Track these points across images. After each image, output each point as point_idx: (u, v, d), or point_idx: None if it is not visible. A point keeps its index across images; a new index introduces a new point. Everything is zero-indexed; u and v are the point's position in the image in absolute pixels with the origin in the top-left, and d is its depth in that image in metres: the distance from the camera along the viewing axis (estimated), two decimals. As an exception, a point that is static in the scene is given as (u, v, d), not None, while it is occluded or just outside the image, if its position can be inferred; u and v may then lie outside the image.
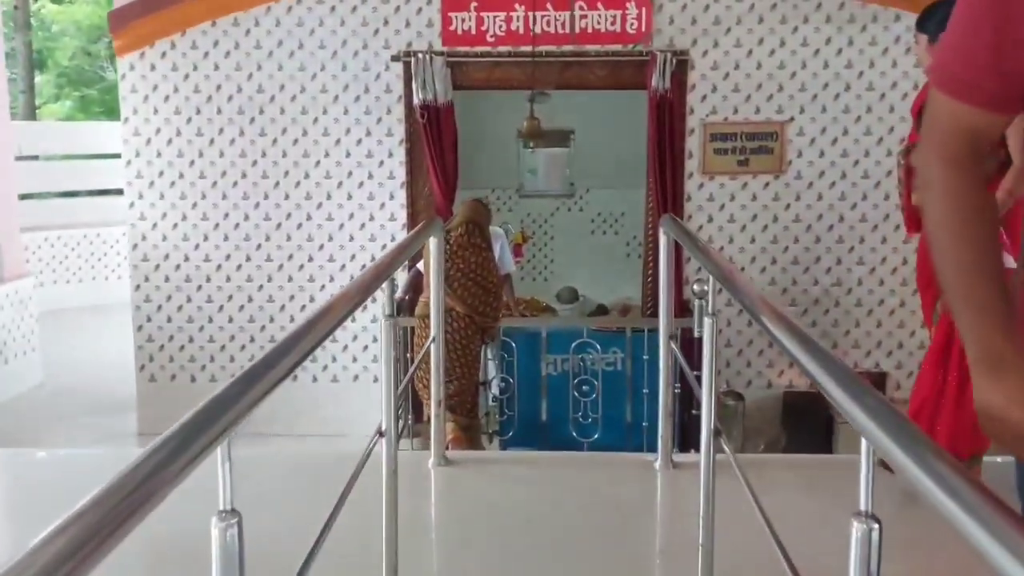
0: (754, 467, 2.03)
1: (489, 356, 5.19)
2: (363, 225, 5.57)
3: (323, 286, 5.62)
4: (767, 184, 5.45)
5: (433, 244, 2.97)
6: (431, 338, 3.03)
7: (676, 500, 2.98)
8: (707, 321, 2.21)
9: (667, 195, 5.38)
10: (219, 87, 5.46)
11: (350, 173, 5.52)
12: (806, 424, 5.42)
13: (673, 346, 2.98)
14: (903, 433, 0.98)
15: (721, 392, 5.45)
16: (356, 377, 5.68)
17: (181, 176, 5.55)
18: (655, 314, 5.55)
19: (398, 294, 5.08)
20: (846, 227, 5.45)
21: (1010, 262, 2.90)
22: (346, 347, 5.67)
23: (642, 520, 2.84)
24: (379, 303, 4.95)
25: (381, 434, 2.16)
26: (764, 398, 5.55)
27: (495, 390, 5.17)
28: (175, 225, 5.59)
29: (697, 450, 5.04)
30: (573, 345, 5.07)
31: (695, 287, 4.83)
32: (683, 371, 3.07)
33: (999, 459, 2.91)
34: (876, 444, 1.02)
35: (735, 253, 5.50)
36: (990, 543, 0.74)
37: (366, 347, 5.63)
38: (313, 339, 1.53)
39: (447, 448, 4.73)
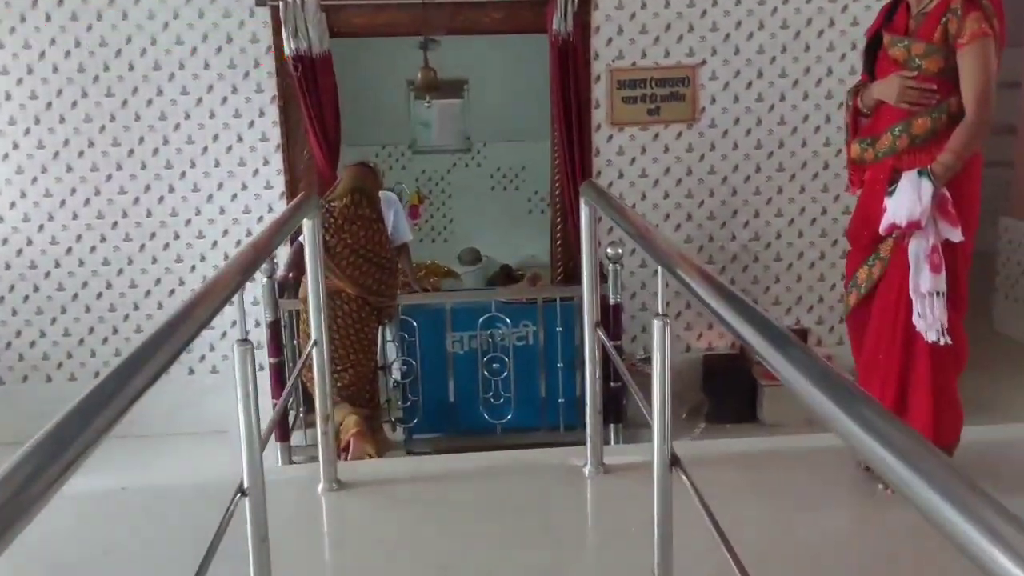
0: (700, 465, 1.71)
1: (388, 338, 4.70)
2: (235, 196, 4.95)
3: (193, 267, 5.00)
4: (680, 134, 5.08)
5: (308, 229, 2.45)
6: (312, 341, 2.52)
7: (613, 516, 2.59)
8: (656, 323, 1.78)
9: (573, 149, 4.94)
10: (53, 41, 4.72)
11: (216, 136, 4.89)
12: (729, 388, 5.15)
13: (601, 335, 2.55)
14: (838, 388, 0.95)
15: (638, 359, 5.12)
16: (238, 366, 5.09)
17: (15, 147, 4.81)
18: (566, 280, 5.17)
19: (280, 272, 4.52)
20: (763, 177, 5.14)
21: (957, 236, 2.61)
22: (224, 334, 5.09)
23: (573, 546, 2.44)
24: (256, 288, 4.41)
25: (244, 493, 1.67)
26: (683, 362, 5.24)
27: (396, 374, 4.70)
28: (12, 204, 4.86)
29: (619, 424, 4.71)
30: (480, 320, 4.64)
31: (608, 251, 4.47)
32: (605, 349, 2.66)
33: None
34: (810, 402, 0.99)
35: (648, 210, 5.13)
36: (955, 517, 0.69)
37: (247, 332, 5.03)
38: (190, 328, 1.40)
39: (347, 448, 4.27)
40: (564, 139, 4.92)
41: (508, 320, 4.67)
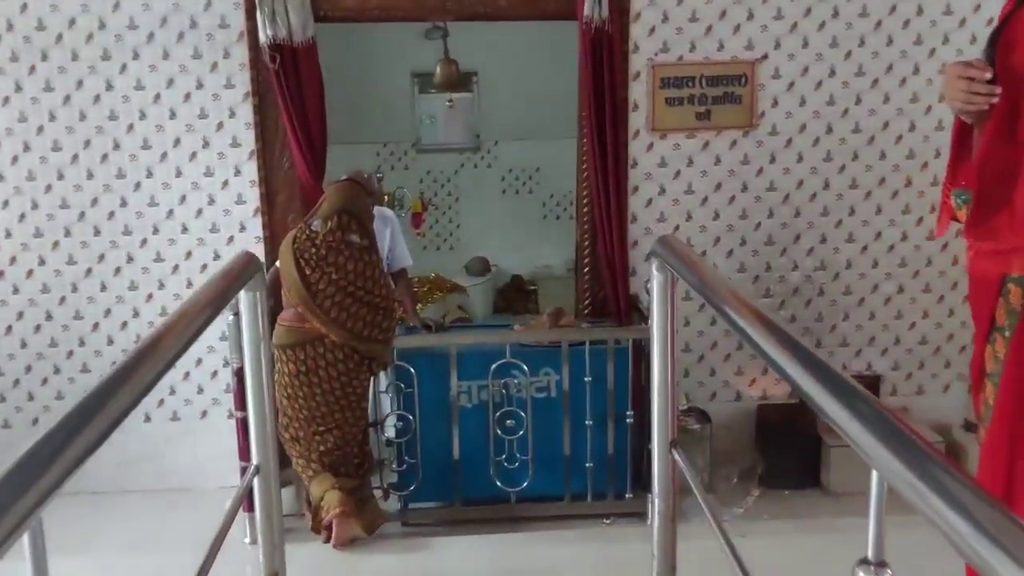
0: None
1: (380, 388, 3.95)
2: (200, 211, 4.20)
3: (150, 295, 4.26)
4: (734, 143, 4.31)
5: (246, 304, 1.69)
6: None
7: None
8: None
9: (606, 160, 4.19)
10: (-20, 24, 3.97)
11: (177, 141, 4.14)
12: (788, 446, 4.39)
13: (676, 456, 1.79)
14: (916, 454, 0.85)
15: (680, 411, 4.35)
16: (204, 413, 4.36)
17: (-65, 150, 4.06)
18: (594, 314, 4.41)
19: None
20: (832, 196, 4.37)
21: None
22: (187, 374, 4.35)
23: None
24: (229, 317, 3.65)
25: None
26: (733, 414, 4.51)
27: (390, 432, 3.94)
28: (-68, 219, 4.11)
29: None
30: (493, 367, 3.88)
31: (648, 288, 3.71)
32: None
33: None
34: (879, 467, 0.90)
35: (694, 233, 4.38)
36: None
37: (215, 373, 4.32)
38: (152, 367, 1.25)
39: (329, 528, 3.52)
40: (595, 147, 4.16)
41: (526, 367, 3.92)
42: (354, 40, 6.23)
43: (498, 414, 3.92)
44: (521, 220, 7.09)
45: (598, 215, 4.27)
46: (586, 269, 4.48)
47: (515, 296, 7.15)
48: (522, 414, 3.91)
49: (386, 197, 6.27)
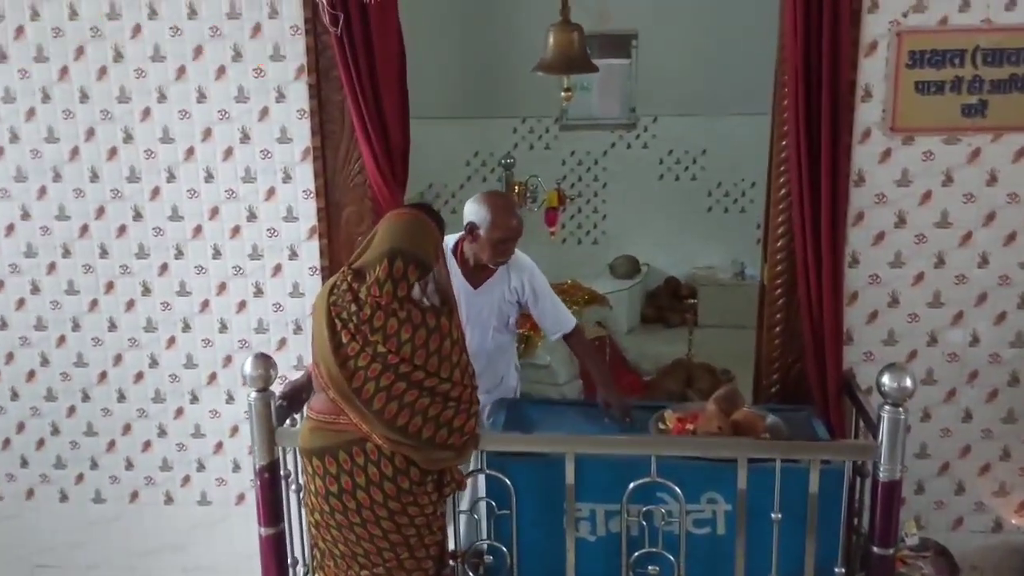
0: None
1: (460, 507, 2.79)
2: (237, 229, 3.18)
3: (172, 339, 3.28)
4: (1021, 152, 2.90)
5: None
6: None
7: None
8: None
9: (818, 171, 2.86)
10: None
11: (207, 132, 3.10)
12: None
13: None
14: None
15: (907, 546, 3.03)
16: (241, 498, 3.35)
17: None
18: (784, 396, 3.12)
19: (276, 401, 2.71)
20: None
21: None
22: (220, 445, 3.33)
23: None
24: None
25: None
26: (988, 553, 3.14)
27: (476, 571, 2.78)
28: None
29: None
30: (631, 487, 2.64)
31: (886, 380, 2.37)
32: None
33: None
34: None
35: (947, 287, 3.03)
36: None
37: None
38: None
39: None
40: (800, 153, 2.86)
41: (679, 488, 2.66)
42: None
43: (635, 555, 2.70)
44: (680, 212, 6.48)
45: (799, 250, 2.96)
46: (777, 328, 3.16)
47: (669, 303, 6.60)
48: (671, 559, 2.68)
49: (516, 187, 5.25)
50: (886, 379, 2.52)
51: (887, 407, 2.52)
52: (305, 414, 2.53)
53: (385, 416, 2.36)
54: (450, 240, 3.07)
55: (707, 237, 6.50)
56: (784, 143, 2.99)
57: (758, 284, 3.36)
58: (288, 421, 2.75)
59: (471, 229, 3.01)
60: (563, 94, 4.52)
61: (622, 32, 6.12)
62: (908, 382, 2.51)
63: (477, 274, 3.09)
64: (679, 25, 5.91)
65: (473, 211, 3.01)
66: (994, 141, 2.91)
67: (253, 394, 2.66)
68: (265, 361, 2.66)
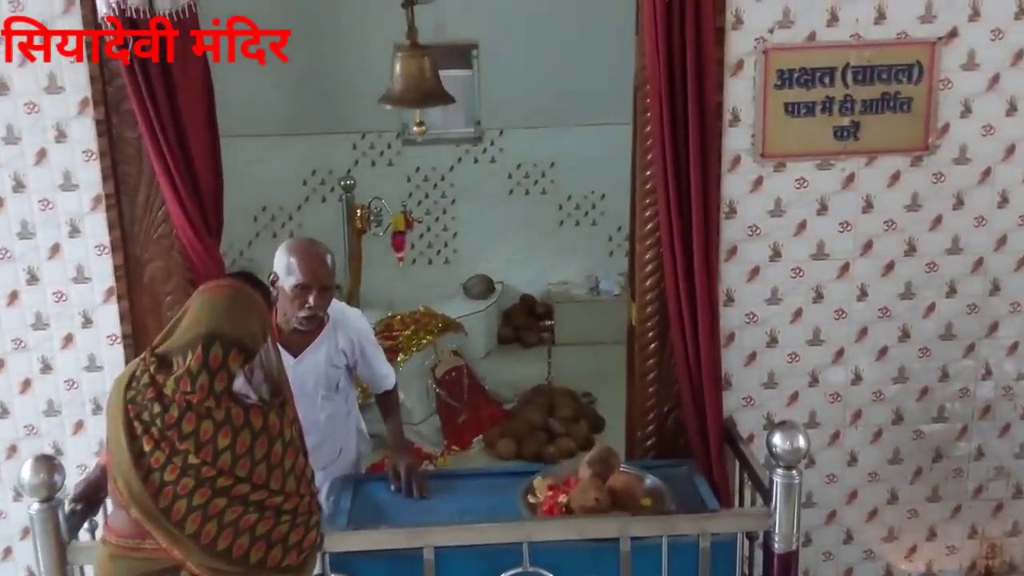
0: None
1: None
2: (15, 295, 2.66)
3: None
4: (896, 177, 2.76)
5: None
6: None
7: None
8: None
9: (688, 204, 2.62)
10: None
11: (-31, 183, 2.57)
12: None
13: None
14: None
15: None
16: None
17: None
18: (661, 451, 2.89)
19: (67, 506, 2.24)
20: (1055, 262, 2.80)
21: None
22: (8, 551, 2.79)
23: None
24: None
25: None
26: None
27: None
28: None
29: None
30: (499, 580, 2.32)
31: (778, 441, 2.15)
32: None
33: None
34: None
35: (826, 322, 2.87)
36: None
37: None
38: None
39: None
40: (668, 182, 2.60)
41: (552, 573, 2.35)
42: (325, 4, 5.55)
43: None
44: (532, 227, 6.41)
45: (671, 289, 2.71)
46: (650, 375, 2.91)
47: (525, 323, 6.49)
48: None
49: (359, 211, 4.95)
50: (777, 440, 2.29)
51: (779, 470, 2.29)
52: (101, 535, 2.07)
53: (202, 540, 1.91)
54: None
55: (560, 251, 6.44)
56: (649, 173, 2.73)
57: (613, 298, 3.11)
58: (86, 527, 2.29)
59: (274, 282, 2.58)
60: (415, 128, 4.16)
61: (461, 42, 5.91)
62: (801, 442, 2.29)
63: (295, 341, 2.64)
64: (520, 35, 5.75)
65: (276, 260, 2.59)
66: (868, 165, 2.74)
67: (35, 506, 2.19)
68: (48, 464, 2.20)
